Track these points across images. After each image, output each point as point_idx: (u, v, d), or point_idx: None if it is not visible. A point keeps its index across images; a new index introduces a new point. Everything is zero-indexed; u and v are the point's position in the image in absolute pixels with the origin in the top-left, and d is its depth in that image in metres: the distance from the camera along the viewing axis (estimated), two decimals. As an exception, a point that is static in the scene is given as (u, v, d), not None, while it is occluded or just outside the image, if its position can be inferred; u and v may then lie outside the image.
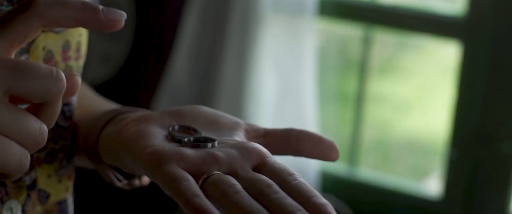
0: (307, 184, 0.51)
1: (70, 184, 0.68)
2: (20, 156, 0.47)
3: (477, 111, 1.79)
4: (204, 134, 0.58)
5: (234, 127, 0.59)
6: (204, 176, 0.52)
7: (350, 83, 2.03)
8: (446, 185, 1.86)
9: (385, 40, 2.04)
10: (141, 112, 0.63)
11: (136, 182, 0.66)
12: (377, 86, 2.02)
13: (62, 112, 0.65)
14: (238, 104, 1.86)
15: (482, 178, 1.81)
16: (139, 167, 0.57)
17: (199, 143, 0.55)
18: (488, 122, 1.78)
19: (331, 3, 1.90)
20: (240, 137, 0.58)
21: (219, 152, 0.54)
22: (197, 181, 0.52)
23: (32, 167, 0.63)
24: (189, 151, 0.54)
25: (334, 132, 2.08)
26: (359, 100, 1.97)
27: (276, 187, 0.50)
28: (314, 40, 1.85)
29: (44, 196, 0.65)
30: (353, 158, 2.00)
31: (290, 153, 0.59)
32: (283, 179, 0.52)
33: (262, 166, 0.54)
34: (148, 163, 0.54)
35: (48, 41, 0.61)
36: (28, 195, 0.63)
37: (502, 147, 1.78)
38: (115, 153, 0.61)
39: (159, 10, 2.10)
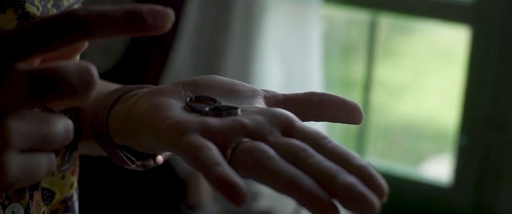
0: (344, 146, 0.47)
1: (74, 179, 0.65)
2: (48, 165, 0.45)
3: (487, 97, 1.77)
4: (223, 103, 0.54)
5: (252, 95, 0.56)
6: (233, 145, 0.48)
7: (356, 70, 2.01)
8: (456, 171, 1.84)
9: (391, 26, 2.02)
10: (150, 87, 0.59)
11: (150, 163, 0.62)
12: (383, 72, 2.00)
13: None
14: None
15: (493, 164, 1.79)
16: (157, 141, 0.53)
17: (221, 111, 0.52)
18: (498, 107, 1.77)
19: (336, -12, 1.88)
20: (260, 104, 0.55)
21: (245, 119, 0.50)
22: (225, 151, 0.48)
23: None
24: (213, 120, 0.50)
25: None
26: (365, 87, 1.95)
27: (311, 150, 0.47)
28: (319, 26, 1.83)
29: (48, 195, 0.62)
30: (360, 145, 1.98)
31: (311, 118, 0.55)
32: (317, 142, 0.48)
33: (291, 131, 0.50)
34: (169, 135, 0.50)
35: None
36: (30, 197, 0.59)
37: (513, 132, 1.76)
38: (127, 131, 0.58)
39: (160, -2, 2.07)
